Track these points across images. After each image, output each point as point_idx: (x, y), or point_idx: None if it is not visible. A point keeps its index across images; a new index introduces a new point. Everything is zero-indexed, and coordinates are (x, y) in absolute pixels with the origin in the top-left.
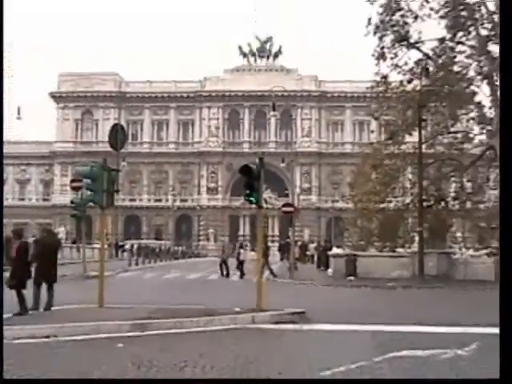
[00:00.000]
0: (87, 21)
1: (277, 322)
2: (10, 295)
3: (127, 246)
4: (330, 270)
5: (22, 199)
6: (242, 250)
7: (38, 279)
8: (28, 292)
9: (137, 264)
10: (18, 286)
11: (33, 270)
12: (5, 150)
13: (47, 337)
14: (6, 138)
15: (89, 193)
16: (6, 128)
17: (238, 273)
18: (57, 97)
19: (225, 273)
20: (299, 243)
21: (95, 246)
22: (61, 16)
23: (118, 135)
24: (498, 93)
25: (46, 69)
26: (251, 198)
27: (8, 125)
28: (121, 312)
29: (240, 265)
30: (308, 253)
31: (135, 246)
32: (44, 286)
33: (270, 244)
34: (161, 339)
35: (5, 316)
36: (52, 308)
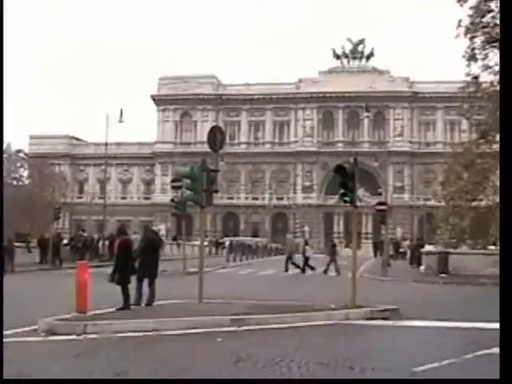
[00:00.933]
0: (185, 23)
1: (370, 319)
2: (113, 290)
3: (227, 243)
4: (422, 267)
5: (125, 198)
6: (307, 247)
7: (140, 275)
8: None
9: (234, 260)
10: (123, 281)
11: (136, 265)
12: (108, 151)
13: (149, 331)
14: (109, 139)
15: (188, 192)
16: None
17: (333, 269)
18: (157, 100)
19: (294, 268)
20: (392, 240)
21: (195, 242)
22: (159, 19)
23: (216, 137)
24: None
25: (148, 71)
26: (346, 197)
27: (111, 127)
28: (219, 307)
29: (306, 261)
30: (401, 250)
31: (232, 244)
32: (146, 282)
33: (363, 241)
34: (258, 334)
35: (108, 310)
36: (153, 303)
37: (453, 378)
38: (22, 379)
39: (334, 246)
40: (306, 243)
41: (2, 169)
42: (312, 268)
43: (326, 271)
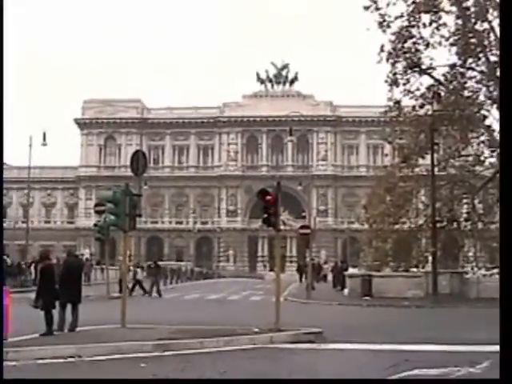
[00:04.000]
0: (111, 48)
1: (294, 342)
2: (36, 315)
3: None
4: (346, 290)
5: (48, 222)
6: (138, 270)
7: (63, 300)
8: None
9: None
10: (46, 306)
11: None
12: (32, 175)
13: (71, 357)
14: (32, 163)
15: (111, 217)
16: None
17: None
18: (81, 123)
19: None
20: (314, 264)
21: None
22: (85, 43)
23: (139, 161)
24: None
25: (71, 95)
26: (269, 222)
27: (34, 150)
28: (142, 332)
29: (138, 283)
30: (322, 273)
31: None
32: (69, 307)
33: (288, 264)
34: (182, 359)
35: (31, 336)
36: (76, 328)
37: (453, 378)
38: (22, 379)
39: (157, 266)
40: (137, 266)
41: (2, 170)
42: (145, 291)
43: (150, 294)
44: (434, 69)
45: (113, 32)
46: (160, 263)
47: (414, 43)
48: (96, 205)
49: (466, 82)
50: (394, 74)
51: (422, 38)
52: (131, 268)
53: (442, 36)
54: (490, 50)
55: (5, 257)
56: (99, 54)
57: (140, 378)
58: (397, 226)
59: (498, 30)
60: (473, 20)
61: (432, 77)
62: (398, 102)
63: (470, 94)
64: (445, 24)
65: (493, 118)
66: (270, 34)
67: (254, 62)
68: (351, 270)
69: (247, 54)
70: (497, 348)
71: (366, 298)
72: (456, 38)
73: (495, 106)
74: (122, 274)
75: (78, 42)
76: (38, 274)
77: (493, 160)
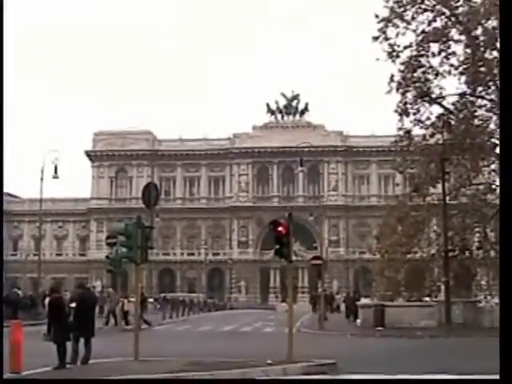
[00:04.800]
0: (120, 77)
1: (308, 374)
2: (49, 348)
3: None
4: (358, 321)
5: (60, 254)
6: (125, 301)
7: (76, 333)
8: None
9: (171, 317)
10: (60, 339)
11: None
12: (43, 208)
13: None
14: (44, 195)
15: (123, 249)
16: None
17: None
18: (92, 155)
19: (113, 321)
20: (327, 296)
21: (131, 299)
22: (94, 72)
23: (150, 193)
24: None
25: (82, 127)
26: (281, 253)
27: (46, 183)
28: (155, 365)
29: (124, 315)
30: (334, 303)
31: (169, 300)
32: (82, 340)
33: (300, 295)
34: None
35: (44, 369)
36: (89, 361)
37: (453, 378)
38: (22, 379)
39: (143, 299)
40: (126, 297)
41: (3, 172)
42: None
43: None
44: (443, 98)
45: (122, 63)
46: (178, 294)
47: (424, 72)
48: (108, 237)
49: (476, 111)
50: (404, 103)
51: (431, 67)
52: (120, 300)
53: (452, 65)
54: None
55: (16, 289)
56: (108, 85)
57: (140, 378)
58: (409, 256)
59: None
60: (482, 49)
61: (442, 106)
62: (408, 132)
63: (481, 122)
64: (454, 53)
65: None
66: (281, 64)
67: (265, 93)
68: (364, 301)
69: (258, 84)
70: None
71: (379, 328)
72: (465, 66)
73: None
74: (135, 306)
75: (86, 72)
76: (47, 307)
77: None
